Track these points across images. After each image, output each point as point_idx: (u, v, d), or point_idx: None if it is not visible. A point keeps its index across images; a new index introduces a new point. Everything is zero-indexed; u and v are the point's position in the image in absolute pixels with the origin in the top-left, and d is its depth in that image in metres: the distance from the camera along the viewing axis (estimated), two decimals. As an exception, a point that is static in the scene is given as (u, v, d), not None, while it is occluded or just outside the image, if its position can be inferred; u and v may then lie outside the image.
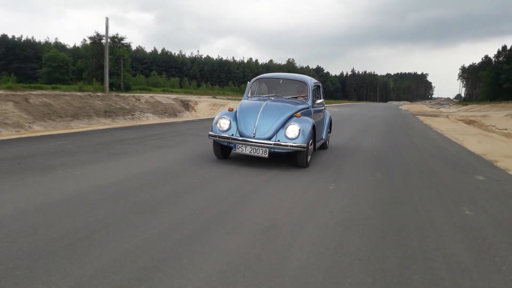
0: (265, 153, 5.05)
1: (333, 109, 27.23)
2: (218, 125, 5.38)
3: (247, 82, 6.89)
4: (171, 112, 18.65)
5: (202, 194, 3.76)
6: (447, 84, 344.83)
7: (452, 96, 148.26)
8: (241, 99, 6.37)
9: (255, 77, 6.94)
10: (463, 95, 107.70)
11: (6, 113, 11.02)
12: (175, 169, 4.88)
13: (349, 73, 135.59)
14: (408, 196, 4.20)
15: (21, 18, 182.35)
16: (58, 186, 3.82)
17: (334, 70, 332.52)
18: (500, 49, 69.89)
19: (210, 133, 5.42)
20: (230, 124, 5.30)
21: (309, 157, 5.46)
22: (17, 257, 2.23)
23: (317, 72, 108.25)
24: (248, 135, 5.10)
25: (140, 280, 2.06)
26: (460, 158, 7.12)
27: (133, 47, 64.43)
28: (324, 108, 7.39)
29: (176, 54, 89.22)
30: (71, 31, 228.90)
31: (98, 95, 16.88)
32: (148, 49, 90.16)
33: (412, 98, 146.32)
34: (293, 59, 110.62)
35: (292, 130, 5.06)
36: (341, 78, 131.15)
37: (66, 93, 16.34)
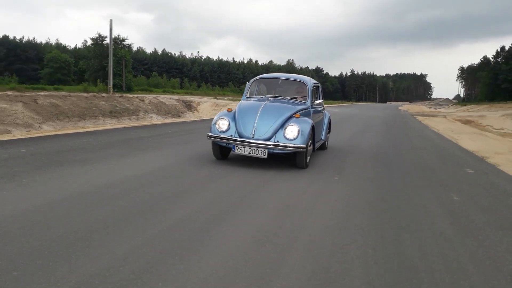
0: (264, 154, 5.01)
1: (333, 110, 27.65)
2: (217, 125, 5.35)
3: (246, 83, 6.86)
4: (174, 113, 18.99)
5: (208, 192, 3.85)
6: (446, 84, 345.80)
7: (451, 97, 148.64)
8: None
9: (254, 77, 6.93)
10: (462, 95, 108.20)
11: (16, 114, 11.36)
12: (193, 163, 5.30)
13: (349, 73, 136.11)
14: (403, 185, 4.70)
15: (19, 18, 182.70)
16: (94, 177, 4.27)
17: (333, 70, 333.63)
18: (499, 49, 70.30)
19: (209, 133, 5.39)
20: (229, 124, 5.27)
21: (308, 158, 5.44)
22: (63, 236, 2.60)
23: (317, 73, 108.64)
24: (247, 135, 5.08)
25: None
26: (453, 154, 7.55)
27: (134, 48, 64.77)
28: (323, 109, 7.37)
29: (177, 55, 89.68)
30: (71, 31, 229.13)
31: (103, 96, 17.22)
32: (148, 50, 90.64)
33: (411, 99, 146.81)
34: (292, 59, 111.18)
35: (291, 130, 5.04)
36: (341, 78, 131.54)
37: (72, 94, 16.69)
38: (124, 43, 42.20)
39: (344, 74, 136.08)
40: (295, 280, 2.15)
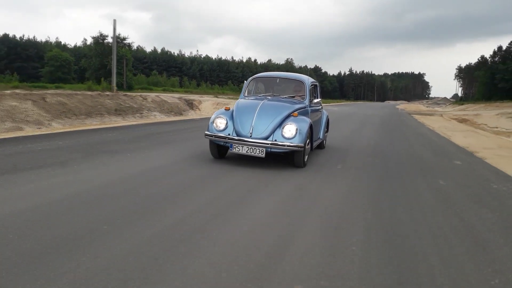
0: (262, 153, 4.99)
1: (332, 108, 28.15)
2: (214, 124, 5.31)
3: (244, 82, 6.82)
4: (176, 111, 19.40)
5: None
6: (444, 84, 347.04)
7: (449, 96, 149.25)
8: None
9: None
10: (460, 95, 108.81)
11: (26, 111, 11.75)
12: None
13: (347, 72, 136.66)
14: (398, 172, 5.38)
15: (18, 17, 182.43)
16: (131, 165, 5.00)
17: (332, 69, 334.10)
18: (496, 49, 70.87)
19: (207, 132, 5.35)
20: (226, 123, 5.25)
21: (306, 157, 5.44)
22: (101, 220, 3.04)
23: (315, 72, 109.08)
24: (244, 134, 5.07)
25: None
26: (444, 149, 8.10)
27: (133, 47, 64.99)
28: (321, 108, 7.37)
29: (176, 54, 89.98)
30: (69, 30, 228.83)
31: (107, 95, 17.60)
32: (147, 48, 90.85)
33: (409, 98, 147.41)
34: (291, 58, 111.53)
35: (289, 129, 5.03)
36: (339, 77, 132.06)
37: (78, 92, 17.07)
38: (125, 42, 42.54)
39: (342, 73, 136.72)
40: (310, 245, 2.62)
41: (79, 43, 70.53)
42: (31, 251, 2.31)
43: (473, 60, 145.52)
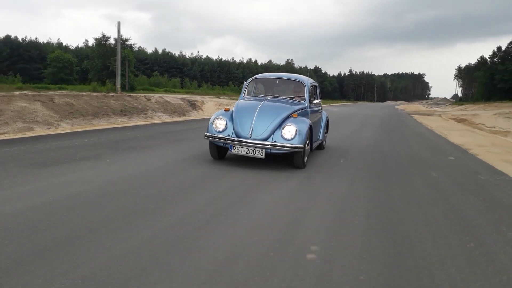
0: (262, 154, 4.98)
1: (332, 109, 28.54)
2: (214, 125, 5.30)
3: (244, 83, 6.80)
4: (180, 112, 19.75)
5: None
6: (444, 84, 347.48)
7: (449, 96, 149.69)
8: None
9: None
10: (459, 95, 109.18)
11: (36, 112, 12.09)
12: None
13: (347, 73, 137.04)
14: (395, 166, 5.92)
15: (18, 17, 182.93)
16: (156, 158, 5.58)
17: (332, 70, 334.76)
18: (495, 50, 71.20)
19: (206, 133, 5.35)
20: (226, 124, 5.25)
21: (306, 158, 5.45)
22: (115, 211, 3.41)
23: (315, 72, 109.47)
24: (244, 135, 5.06)
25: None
26: (440, 146, 8.53)
27: (135, 48, 65.33)
28: (321, 108, 7.36)
29: (177, 55, 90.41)
30: (69, 30, 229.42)
31: (112, 96, 17.95)
32: (147, 49, 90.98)
33: (409, 98, 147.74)
34: (292, 59, 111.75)
35: (289, 130, 5.03)
36: (339, 78, 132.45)
37: (84, 93, 17.42)
38: (127, 43, 42.90)
39: (342, 74, 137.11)
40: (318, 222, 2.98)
41: (81, 44, 70.95)
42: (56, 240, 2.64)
43: (473, 60, 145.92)
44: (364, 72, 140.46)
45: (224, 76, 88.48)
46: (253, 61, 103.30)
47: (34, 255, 2.28)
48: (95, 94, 17.62)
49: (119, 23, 18.89)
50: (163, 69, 78.00)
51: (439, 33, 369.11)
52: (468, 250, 2.71)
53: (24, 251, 2.33)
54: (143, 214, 3.10)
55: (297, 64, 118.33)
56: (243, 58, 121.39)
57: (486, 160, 6.46)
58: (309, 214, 3.34)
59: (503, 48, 68.84)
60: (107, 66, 37.54)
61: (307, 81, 6.41)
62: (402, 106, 59.97)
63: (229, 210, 3.32)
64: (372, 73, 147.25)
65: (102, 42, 38.30)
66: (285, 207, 3.56)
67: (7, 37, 61.78)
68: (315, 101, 6.61)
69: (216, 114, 5.49)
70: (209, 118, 5.49)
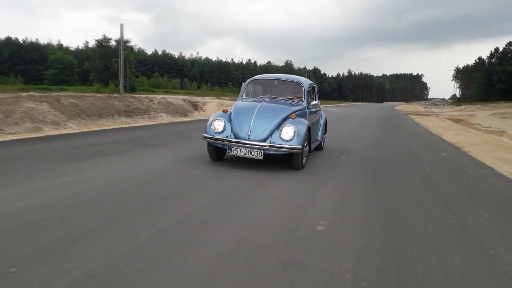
0: (260, 155, 4.98)
1: (332, 109, 28.96)
2: (212, 126, 5.31)
3: (242, 84, 6.81)
4: (182, 112, 20.08)
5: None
6: (442, 85, 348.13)
7: (447, 97, 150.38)
8: None
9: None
10: (458, 96, 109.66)
11: (43, 113, 12.40)
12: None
13: (346, 74, 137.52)
14: (391, 161, 6.46)
15: (17, 17, 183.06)
16: (175, 153, 6.19)
17: (330, 71, 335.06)
18: (493, 51, 71.68)
19: (204, 134, 5.36)
20: (224, 125, 5.25)
21: (304, 159, 5.47)
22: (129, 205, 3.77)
23: (314, 73, 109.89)
24: (242, 137, 5.06)
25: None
26: (435, 144, 8.98)
27: (135, 49, 65.60)
28: (319, 109, 7.38)
29: (177, 56, 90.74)
30: (69, 31, 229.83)
31: (116, 96, 18.27)
32: (146, 50, 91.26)
33: (407, 99, 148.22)
34: (291, 60, 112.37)
35: (287, 131, 5.03)
36: (338, 79, 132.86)
37: (89, 94, 17.73)
38: (128, 44, 43.16)
39: (341, 75, 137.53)
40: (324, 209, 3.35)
41: (81, 45, 71.20)
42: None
43: (471, 61, 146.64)
44: (363, 73, 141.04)
45: (223, 77, 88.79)
46: (252, 62, 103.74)
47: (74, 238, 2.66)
48: (99, 95, 17.93)
49: (122, 25, 19.22)
50: (163, 70, 78.29)
51: (438, 34, 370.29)
52: (450, 224, 3.32)
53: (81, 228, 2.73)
54: (177, 197, 3.61)
55: (296, 65, 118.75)
56: (242, 59, 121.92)
57: (476, 157, 6.88)
58: (314, 202, 3.77)
59: (501, 49, 69.39)
60: (108, 68, 37.86)
61: (306, 82, 6.44)
62: (401, 106, 60.43)
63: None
64: (371, 74, 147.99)
65: (103, 43, 38.63)
66: (288, 202, 3.78)
67: (8, 39, 62.05)
68: (314, 102, 6.63)
69: (215, 115, 5.50)
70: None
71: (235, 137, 5.12)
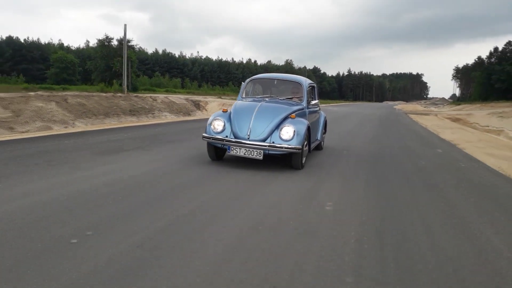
0: (260, 155, 4.97)
1: (332, 109, 29.37)
2: (212, 126, 5.30)
3: (242, 83, 6.78)
4: (185, 111, 20.42)
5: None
6: (442, 84, 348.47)
7: (447, 96, 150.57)
8: None
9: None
10: (457, 95, 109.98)
11: (52, 112, 12.74)
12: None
13: (346, 73, 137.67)
14: (390, 156, 7.25)
15: (17, 17, 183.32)
16: (189, 150, 6.60)
17: (330, 70, 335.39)
18: (492, 50, 71.97)
19: (204, 134, 5.35)
20: (224, 125, 5.23)
21: (304, 159, 5.47)
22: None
23: (314, 73, 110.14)
24: (242, 136, 5.05)
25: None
26: (431, 141, 9.41)
27: (136, 48, 65.84)
28: (319, 109, 7.37)
29: (177, 55, 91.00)
30: (67, 30, 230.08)
31: (120, 96, 18.61)
32: (147, 49, 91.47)
33: (407, 98, 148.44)
34: (291, 59, 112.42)
35: (287, 131, 5.03)
36: (338, 78, 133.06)
37: (94, 94, 18.06)
38: (129, 44, 43.43)
39: (341, 74, 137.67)
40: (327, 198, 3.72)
41: (82, 45, 71.42)
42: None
43: (471, 60, 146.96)
44: (363, 72, 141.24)
45: (224, 77, 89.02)
46: (252, 61, 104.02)
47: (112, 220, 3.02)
48: (104, 94, 18.27)
49: (125, 25, 19.57)
50: (163, 70, 78.54)
51: (438, 33, 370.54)
52: (437, 204, 3.95)
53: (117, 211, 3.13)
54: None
55: (296, 64, 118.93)
56: (242, 59, 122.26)
57: (469, 153, 7.33)
58: (321, 188, 4.32)
59: (500, 49, 69.67)
60: (110, 67, 38.16)
61: (305, 81, 6.43)
62: (400, 106, 60.79)
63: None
64: (371, 73, 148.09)
65: (105, 43, 38.92)
66: (296, 190, 4.19)
67: (9, 38, 62.34)
68: (313, 102, 6.62)
69: (214, 115, 5.49)
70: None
71: (235, 137, 5.12)
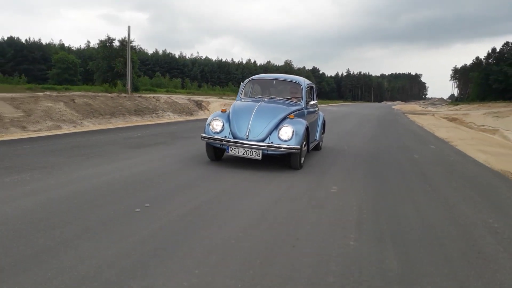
0: (258, 155, 4.97)
1: (332, 109, 29.84)
2: (211, 126, 5.30)
3: (240, 84, 6.79)
4: (187, 111, 20.82)
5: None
6: (441, 84, 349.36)
7: (446, 97, 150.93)
8: None
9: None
10: (456, 95, 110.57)
11: (60, 112, 13.15)
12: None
13: (344, 73, 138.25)
14: (387, 152, 7.78)
15: (17, 17, 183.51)
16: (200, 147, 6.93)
17: (329, 70, 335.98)
18: (490, 51, 72.58)
19: (203, 134, 5.35)
20: (223, 125, 5.24)
21: (303, 159, 5.47)
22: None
23: (313, 73, 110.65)
24: (241, 137, 5.06)
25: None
26: (426, 139, 9.94)
27: (137, 49, 66.16)
28: (318, 109, 7.37)
29: (177, 56, 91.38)
30: (67, 30, 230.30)
31: (125, 96, 19.02)
32: (147, 50, 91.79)
33: (406, 99, 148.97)
34: (290, 60, 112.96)
35: (286, 131, 5.03)
36: (337, 78, 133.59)
37: (99, 94, 18.47)
38: (131, 45, 43.72)
39: (340, 74, 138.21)
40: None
41: (82, 45, 71.72)
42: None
43: (470, 61, 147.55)
44: (362, 73, 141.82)
45: (224, 77, 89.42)
46: (252, 61, 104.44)
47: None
48: (109, 94, 18.67)
49: (129, 27, 19.99)
50: (164, 70, 78.89)
51: (436, 34, 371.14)
52: (424, 187, 4.66)
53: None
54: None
55: (295, 64, 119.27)
56: (242, 59, 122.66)
57: (461, 149, 7.86)
58: (325, 176, 4.98)
59: (498, 49, 70.29)
60: (112, 68, 38.55)
61: (304, 82, 6.46)
62: (399, 106, 61.35)
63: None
64: (370, 74, 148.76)
65: (107, 44, 39.31)
66: (303, 180, 4.67)
67: (11, 39, 62.70)
68: (312, 102, 6.63)
69: (213, 115, 5.49)
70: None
71: (234, 137, 5.13)
